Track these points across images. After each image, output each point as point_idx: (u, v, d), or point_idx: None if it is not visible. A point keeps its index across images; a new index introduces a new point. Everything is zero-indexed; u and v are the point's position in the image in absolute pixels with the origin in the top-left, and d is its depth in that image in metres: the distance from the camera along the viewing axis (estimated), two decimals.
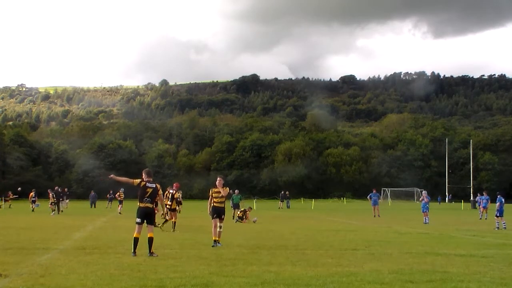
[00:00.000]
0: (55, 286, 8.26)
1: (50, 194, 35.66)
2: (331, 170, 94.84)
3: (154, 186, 12.59)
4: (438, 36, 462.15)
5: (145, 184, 12.51)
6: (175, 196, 21.06)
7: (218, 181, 14.63)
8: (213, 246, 14.05)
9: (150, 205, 12.44)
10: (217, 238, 14.31)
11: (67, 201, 46.30)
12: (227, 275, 9.38)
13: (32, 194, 42.60)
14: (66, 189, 47.88)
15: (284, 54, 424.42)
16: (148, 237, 12.23)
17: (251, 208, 29.53)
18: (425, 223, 26.76)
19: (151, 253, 12.08)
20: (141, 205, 12.43)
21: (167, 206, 20.41)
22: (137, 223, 12.43)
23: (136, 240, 12.26)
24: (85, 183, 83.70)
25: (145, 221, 12.36)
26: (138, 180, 12.58)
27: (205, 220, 27.15)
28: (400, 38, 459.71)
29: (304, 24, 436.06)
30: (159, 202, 13.39)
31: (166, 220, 20.85)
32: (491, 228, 23.47)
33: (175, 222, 20.41)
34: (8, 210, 41.77)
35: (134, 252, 12.15)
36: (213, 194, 14.53)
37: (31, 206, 41.29)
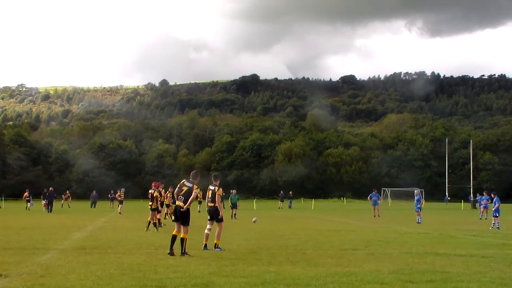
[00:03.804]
0: (55, 286, 8.26)
1: None
2: (331, 170, 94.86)
3: (191, 185, 12.58)
4: (438, 36, 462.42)
5: (184, 182, 12.72)
6: (154, 195, 20.94)
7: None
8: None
9: (182, 204, 12.41)
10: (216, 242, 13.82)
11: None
12: (227, 275, 9.37)
13: (26, 194, 44.00)
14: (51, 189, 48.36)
15: (283, 54, 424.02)
16: (180, 238, 12.29)
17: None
18: (418, 222, 26.85)
19: (182, 253, 12.14)
20: (176, 203, 12.63)
21: (149, 205, 20.69)
22: (173, 221, 12.72)
23: (173, 238, 12.35)
24: (85, 183, 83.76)
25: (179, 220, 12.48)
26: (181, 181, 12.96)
27: (205, 220, 27.17)
28: (400, 38, 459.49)
29: (303, 23, 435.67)
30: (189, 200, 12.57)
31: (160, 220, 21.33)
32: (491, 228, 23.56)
33: (149, 222, 20.45)
34: (3, 210, 41.80)
35: (171, 250, 12.20)
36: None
37: (26, 205, 42.69)
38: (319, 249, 13.94)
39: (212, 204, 13.85)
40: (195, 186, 12.58)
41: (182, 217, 12.42)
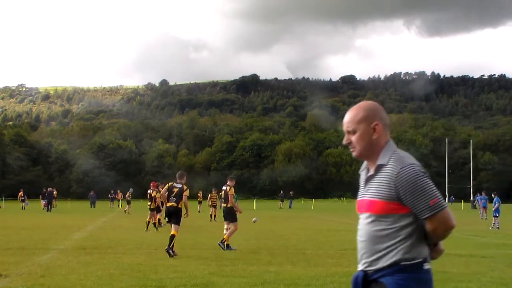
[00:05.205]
0: (55, 286, 8.26)
1: None
2: (331, 170, 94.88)
3: (181, 186, 12.73)
4: (437, 36, 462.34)
5: (172, 184, 12.88)
6: (153, 195, 21.00)
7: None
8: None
9: (175, 204, 12.54)
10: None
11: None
12: (227, 275, 9.37)
13: (21, 193, 45.09)
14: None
15: (283, 54, 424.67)
16: (171, 234, 12.34)
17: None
18: None
19: (169, 248, 12.12)
20: (167, 205, 12.75)
21: (148, 205, 20.97)
22: (167, 222, 13.05)
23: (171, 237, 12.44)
24: (85, 183, 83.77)
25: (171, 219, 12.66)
26: (168, 184, 13.16)
27: (205, 220, 27.16)
28: (400, 37, 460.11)
29: (303, 23, 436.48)
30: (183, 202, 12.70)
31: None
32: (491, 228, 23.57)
33: (149, 222, 20.52)
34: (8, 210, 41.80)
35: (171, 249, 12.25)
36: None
37: (21, 205, 43.20)
38: (319, 249, 13.94)
39: (225, 205, 14.16)
40: (185, 187, 12.71)
41: (174, 216, 12.53)
